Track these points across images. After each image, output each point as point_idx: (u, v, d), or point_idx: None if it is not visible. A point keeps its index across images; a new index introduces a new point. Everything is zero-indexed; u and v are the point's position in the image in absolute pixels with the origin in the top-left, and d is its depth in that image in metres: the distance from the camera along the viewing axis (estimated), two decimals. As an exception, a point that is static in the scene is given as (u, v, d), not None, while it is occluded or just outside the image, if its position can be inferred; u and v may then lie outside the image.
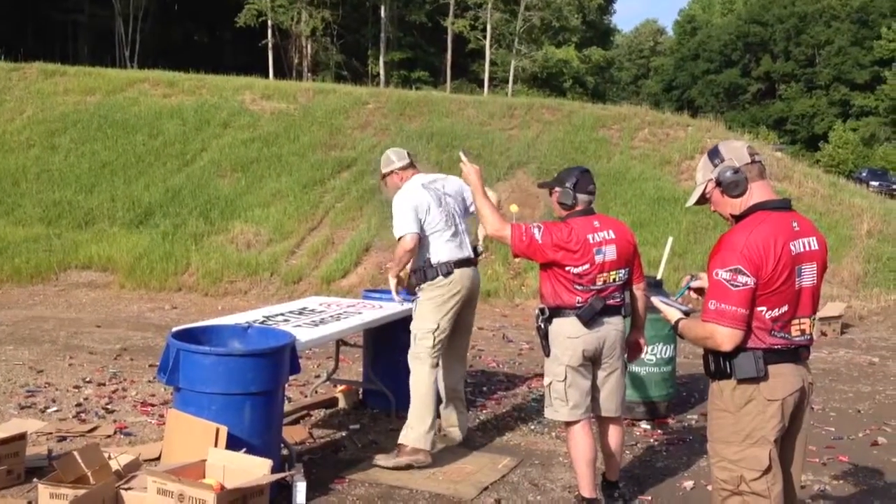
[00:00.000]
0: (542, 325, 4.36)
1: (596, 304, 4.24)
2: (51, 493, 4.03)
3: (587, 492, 4.38)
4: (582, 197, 4.36)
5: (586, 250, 4.21)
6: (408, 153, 5.55)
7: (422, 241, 5.24)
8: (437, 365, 5.25)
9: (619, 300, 4.38)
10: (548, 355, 4.38)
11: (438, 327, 5.20)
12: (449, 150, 15.73)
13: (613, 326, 4.36)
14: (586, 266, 4.22)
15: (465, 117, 18.41)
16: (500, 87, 43.36)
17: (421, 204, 5.22)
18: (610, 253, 4.27)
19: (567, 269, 4.23)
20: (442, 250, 5.24)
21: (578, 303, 4.25)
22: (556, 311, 4.30)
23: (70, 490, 3.99)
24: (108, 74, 20.97)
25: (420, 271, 5.27)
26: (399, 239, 5.25)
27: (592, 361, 4.36)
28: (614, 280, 4.32)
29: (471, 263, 5.38)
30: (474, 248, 5.45)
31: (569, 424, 4.37)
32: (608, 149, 17.04)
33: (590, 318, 4.24)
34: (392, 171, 5.49)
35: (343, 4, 40.20)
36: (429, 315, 5.22)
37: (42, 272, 13.04)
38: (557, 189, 4.40)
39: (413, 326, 5.29)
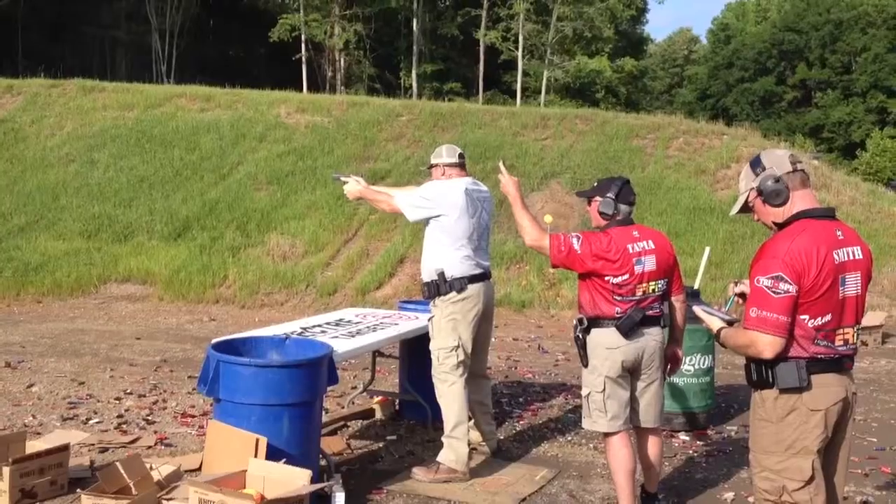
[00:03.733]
0: (581, 336, 4.33)
1: (635, 315, 4.21)
2: (94, 504, 4.09)
3: (626, 503, 4.36)
4: (623, 207, 4.34)
5: (626, 260, 4.19)
6: (460, 154, 5.36)
7: (439, 249, 5.11)
8: (465, 383, 5.11)
9: (658, 311, 4.34)
10: (586, 366, 4.36)
11: (460, 344, 5.07)
12: (482, 161, 15.74)
13: (652, 337, 4.33)
14: (626, 276, 4.20)
15: (498, 128, 18.42)
16: (532, 97, 43.27)
17: (454, 204, 5.07)
18: (650, 263, 4.25)
19: (606, 279, 4.21)
20: (457, 265, 5.07)
21: (618, 313, 4.22)
22: (595, 322, 4.28)
23: (113, 501, 4.05)
24: (145, 90, 21.28)
25: (432, 284, 5.11)
26: (399, 206, 5.19)
27: (631, 372, 4.33)
28: (654, 291, 4.29)
29: (485, 278, 5.23)
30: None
31: (608, 435, 4.35)
32: (642, 158, 16.96)
33: (629, 330, 4.21)
34: (438, 164, 5.33)
35: (375, 18, 40.41)
36: (448, 332, 5.08)
37: (82, 285, 13.24)
38: (598, 198, 4.37)
39: (433, 346, 5.15)
